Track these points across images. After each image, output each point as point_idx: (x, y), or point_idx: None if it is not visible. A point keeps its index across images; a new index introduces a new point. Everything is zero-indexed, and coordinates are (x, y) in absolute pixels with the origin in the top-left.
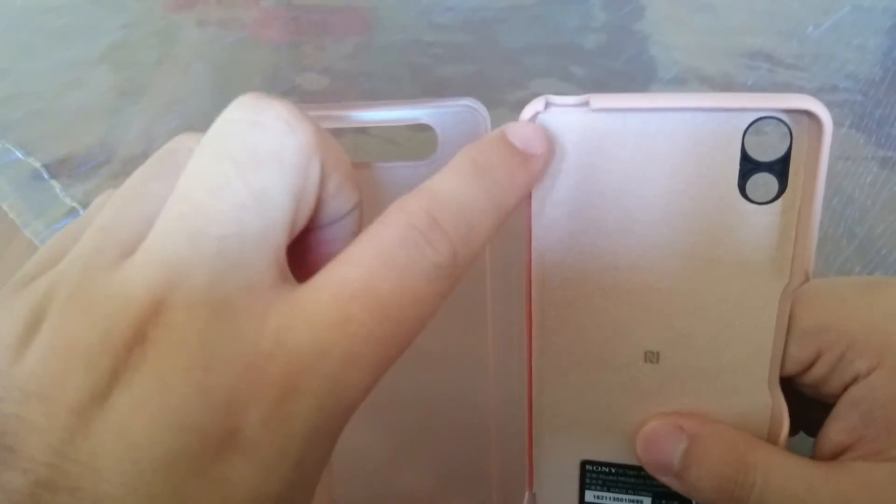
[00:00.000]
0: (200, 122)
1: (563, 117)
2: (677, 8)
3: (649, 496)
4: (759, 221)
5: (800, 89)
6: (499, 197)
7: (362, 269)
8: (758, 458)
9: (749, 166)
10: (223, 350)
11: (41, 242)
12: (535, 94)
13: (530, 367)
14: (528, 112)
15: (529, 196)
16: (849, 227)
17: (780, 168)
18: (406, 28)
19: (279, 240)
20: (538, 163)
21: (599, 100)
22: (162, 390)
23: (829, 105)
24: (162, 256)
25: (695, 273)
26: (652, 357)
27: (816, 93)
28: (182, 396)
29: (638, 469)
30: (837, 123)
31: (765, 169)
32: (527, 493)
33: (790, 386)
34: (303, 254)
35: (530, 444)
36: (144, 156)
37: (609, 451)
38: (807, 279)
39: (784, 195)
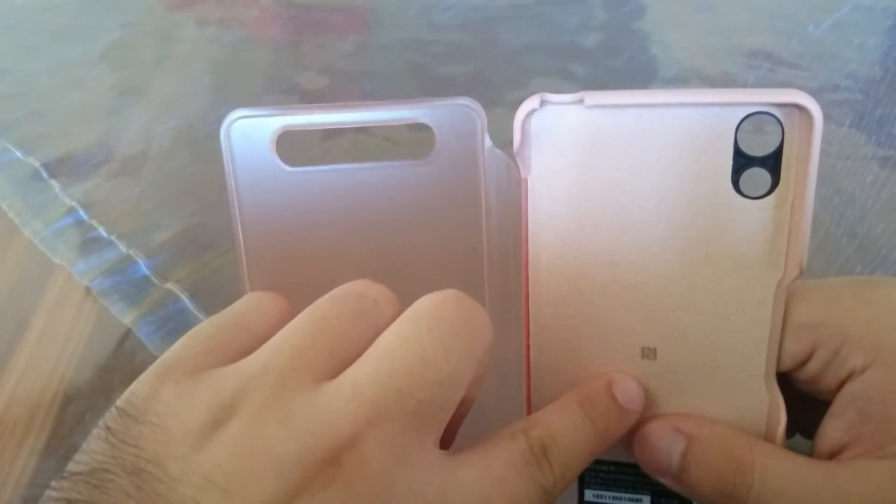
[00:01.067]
0: (200, 122)
1: (558, 114)
2: (678, 7)
3: (648, 495)
4: (752, 216)
5: (800, 88)
6: (595, 444)
7: (499, 465)
8: (755, 459)
9: (742, 161)
10: (401, 494)
11: (41, 242)
12: (535, 93)
13: (528, 365)
14: (523, 110)
15: (526, 192)
16: (849, 227)
17: (773, 163)
18: (406, 27)
19: (449, 413)
20: (633, 418)
21: (594, 97)
22: None
23: (830, 104)
24: (370, 398)
25: (690, 268)
26: (649, 353)
27: (817, 92)
28: None
29: (637, 467)
30: (838, 123)
31: (757, 164)
32: None
33: (787, 385)
34: None
35: None
36: (144, 155)
37: (608, 450)
38: (801, 273)
39: (777, 190)
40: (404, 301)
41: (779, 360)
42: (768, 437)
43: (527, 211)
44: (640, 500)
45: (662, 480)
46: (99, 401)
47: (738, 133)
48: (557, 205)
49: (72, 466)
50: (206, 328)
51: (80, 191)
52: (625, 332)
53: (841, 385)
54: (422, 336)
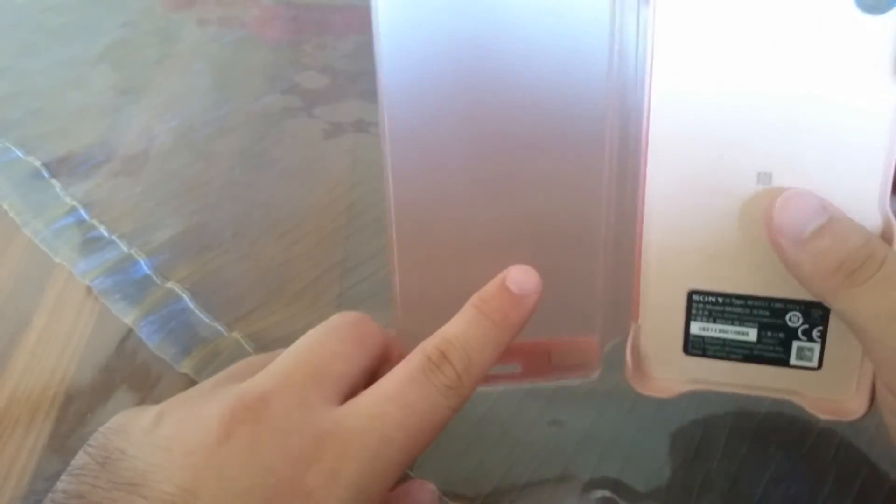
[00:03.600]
0: (200, 121)
1: None
2: None
3: (755, 327)
4: (873, 30)
5: None
6: (495, 335)
7: (394, 382)
8: (885, 259)
9: None
10: (298, 426)
11: (41, 242)
12: None
13: (643, 194)
14: None
15: (654, 18)
16: None
17: None
18: None
19: (346, 380)
20: (531, 300)
21: None
22: (260, 445)
23: None
24: (278, 370)
25: (810, 87)
26: (764, 178)
27: None
28: (271, 450)
29: (745, 299)
30: None
31: None
32: (632, 325)
33: None
34: None
35: (638, 275)
36: (145, 154)
37: (717, 281)
38: None
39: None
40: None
41: None
42: None
43: (654, 35)
44: (747, 333)
45: (782, 244)
46: (100, 400)
47: None
48: (681, 31)
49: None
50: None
51: (81, 190)
52: (740, 158)
53: None
54: (321, 331)
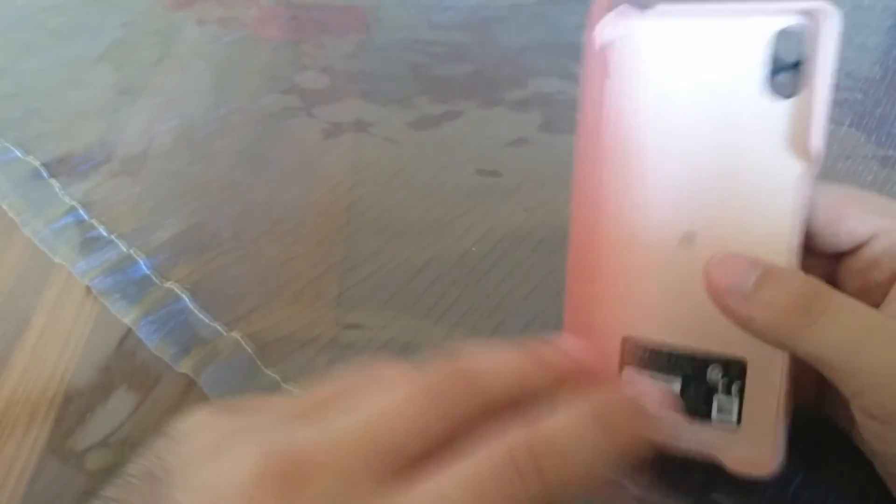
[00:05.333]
0: (200, 121)
1: (626, 28)
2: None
3: (679, 379)
4: (782, 113)
5: None
6: (606, 448)
7: (472, 470)
8: (833, 293)
9: (773, 66)
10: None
11: (40, 242)
12: (535, 93)
13: (574, 248)
14: (598, 23)
15: (603, 92)
16: None
17: (799, 65)
18: (405, 27)
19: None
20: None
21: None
22: None
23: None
24: (335, 434)
25: (723, 159)
26: (688, 238)
27: None
28: None
29: (671, 350)
30: (837, 122)
31: (787, 68)
32: None
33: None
34: None
35: (569, 319)
36: (144, 154)
37: (647, 330)
38: (819, 164)
39: (803, 90)
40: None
41: (841, 238)
42: None
43: (604, 109)
44: (672, 384)
45: (727, 303)
46: (99, 400)
47: (769, 41)
48: (625, 108)
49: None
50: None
51: (81, 190)
52: (667, 218)
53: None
54: (404, 393)
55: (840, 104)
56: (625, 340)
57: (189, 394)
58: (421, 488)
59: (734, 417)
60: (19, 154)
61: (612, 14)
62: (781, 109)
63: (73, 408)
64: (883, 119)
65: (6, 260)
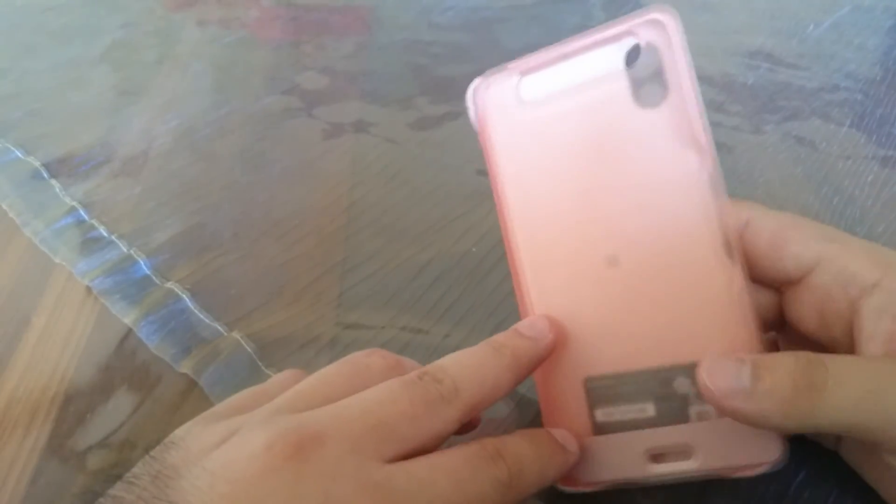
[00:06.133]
0: (201, 121)
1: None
2: (677, 7)
3: (651, 401)
4: (661, 119)
5: (800, 88)
6: (556, 464)
7: (448, 457)
8: (824, 358)
9: (637, 81)
10: (350, 472)
11: (41, 242)
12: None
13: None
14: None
15: (489, 145)
16: (849, 227)
17: (660, 72)
18: (406, 28)
19: (409, 444)
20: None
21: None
22: (304, 486)
23: (830, 104)
24: (339, 412)
25: (626, 180)
26: (613, 261)
27: (817, 92)
28: (314, 493)
29: (632, 376)
30: (838, 123)
31: (650, 78)
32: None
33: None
34: None
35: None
36: (145, 155)
37: (603, 363)
38: (712, 156)
39: (669, 96)
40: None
41: (789, 264)
42: (742, 318)
43: (500, 168)
44: (645, 409)
45: (733, 406)
46: (99, 400)
47: (623, 62)
48: (517, 161)
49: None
50: (239, 394)
51: (81, 190)
52: (586, 248)
53: (853, 305)
54: (400, 384)
55: (840, 105)
56: (585, 382)
57: (189, 394)
58: (410, 463)
59: (718, 421)
60: (20, 154)
61: (476, 82)
62: (659, 116)
63: (74, 408)
64: (883, 119)
65: (7, 260)
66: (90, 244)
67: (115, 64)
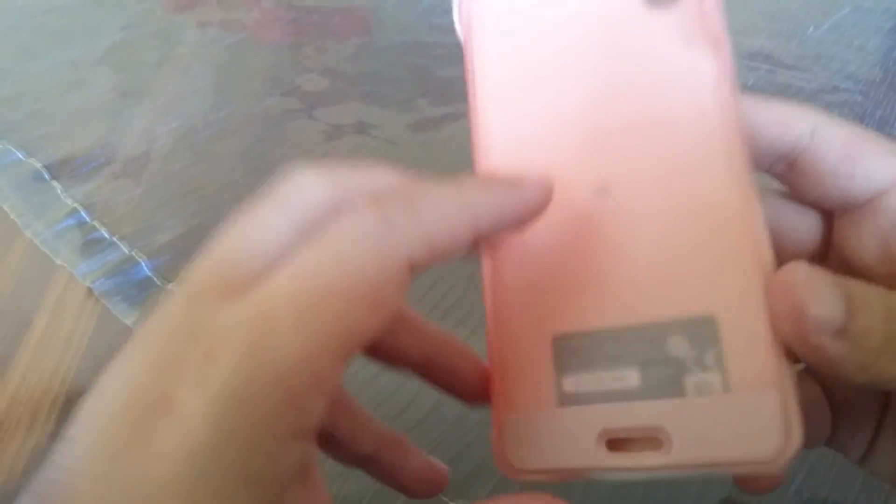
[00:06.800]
0: (202, 123)
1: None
2: None
3: (635, 368)
4: (673, 24)
5: (799, 90)
6: (472, 201)
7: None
8: None
9: None
10: (177, 323)
11: (42, 243)
12: None
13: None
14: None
15: (471, 52)
16: None
17: None
18: (406, 30)
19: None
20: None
21: None
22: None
23: (830, 106)
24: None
25: (629, 92)
26: (603, 190)
27: (817, 93)
28: (140, 355)
29: (613, 334)
30: None
31: None
32: (493, 395)
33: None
34: None
35: (491, 325)
36: (146, 156)
37: (579, 318)
38: (732, 65)
39: None
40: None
41: (853, 184)
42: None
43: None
44: (625, 378)
45: (818, 344)
46: None
47: None
48: (503, 54)
49: None
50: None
51: (82, 192)
52: (573, 172)
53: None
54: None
55: (840, 106)
56: (556, 341)
57: None
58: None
59: (722, 397)
60: (21, 156)
61: None
62: (671, 17)
63: (75, 409)
64: (883, 121)
65: (8, 262)
66: (91, 246)
67: (116, 65)
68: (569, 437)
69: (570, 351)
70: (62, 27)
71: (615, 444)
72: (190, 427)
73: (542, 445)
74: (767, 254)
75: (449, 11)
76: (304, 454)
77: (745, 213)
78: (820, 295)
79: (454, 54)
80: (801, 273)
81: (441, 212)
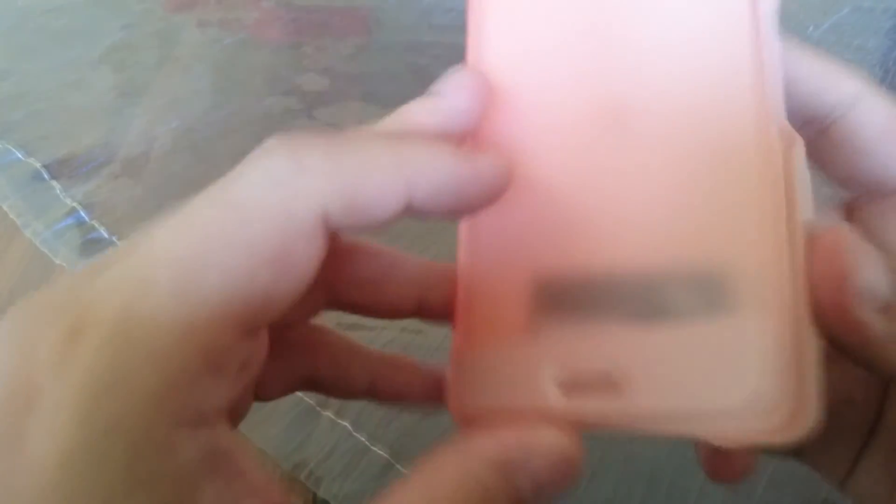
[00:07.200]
0: (201, 123)
1: None
2: None
3: (620, 321)
4: None
5: None
6: (409, 158)
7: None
8: None
9: None
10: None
11: (42, 243)
12: None
13: None
14: None
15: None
16: None
17: None
18: (406, 29)
19: None
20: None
21: None
22: None
23: None
24: None
25: (663, 15)
26: (613, 115)
27: None
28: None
29: (611, 284)
30: None
31: None
32: (454, 337)
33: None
34: None
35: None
36: (145, 156)
37: (567, 262)
38: None
39: None
40: None
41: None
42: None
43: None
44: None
45: (861, 319)
46: None
47: None
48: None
49: None
50: None
51: (82, 192)
52: (579, 93)
53: None
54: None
55: None
56: (534, 280)
57: None
58: None
59: (728, 364)
60: (20, 156)
61: None
62: None
63: None
64: None
65: (7, 262)
66: (91, 245)
67: (116, 65)
68: (524, 377)
69: (547, 292)
70: (62, 27)
71: (574, 388)
72: (57, 423)
73: (497, 384)
74: (799, 209)
75: (449, 11)
76: (208, 442)
77: (769, 159)
78: (869, 264)
79: (454, 54)
80: (849, 237)
81: (368, 162)
